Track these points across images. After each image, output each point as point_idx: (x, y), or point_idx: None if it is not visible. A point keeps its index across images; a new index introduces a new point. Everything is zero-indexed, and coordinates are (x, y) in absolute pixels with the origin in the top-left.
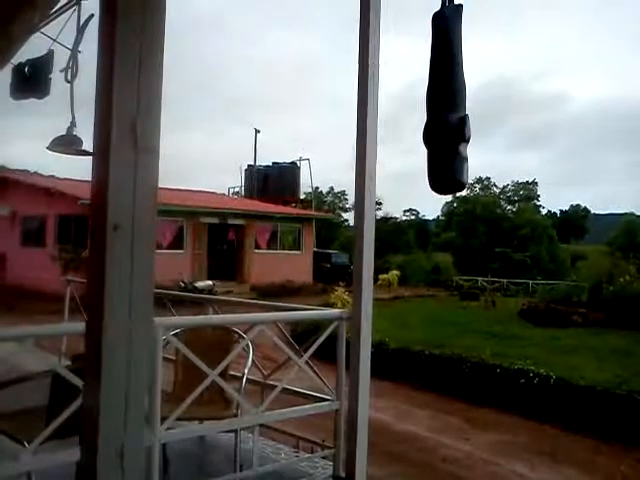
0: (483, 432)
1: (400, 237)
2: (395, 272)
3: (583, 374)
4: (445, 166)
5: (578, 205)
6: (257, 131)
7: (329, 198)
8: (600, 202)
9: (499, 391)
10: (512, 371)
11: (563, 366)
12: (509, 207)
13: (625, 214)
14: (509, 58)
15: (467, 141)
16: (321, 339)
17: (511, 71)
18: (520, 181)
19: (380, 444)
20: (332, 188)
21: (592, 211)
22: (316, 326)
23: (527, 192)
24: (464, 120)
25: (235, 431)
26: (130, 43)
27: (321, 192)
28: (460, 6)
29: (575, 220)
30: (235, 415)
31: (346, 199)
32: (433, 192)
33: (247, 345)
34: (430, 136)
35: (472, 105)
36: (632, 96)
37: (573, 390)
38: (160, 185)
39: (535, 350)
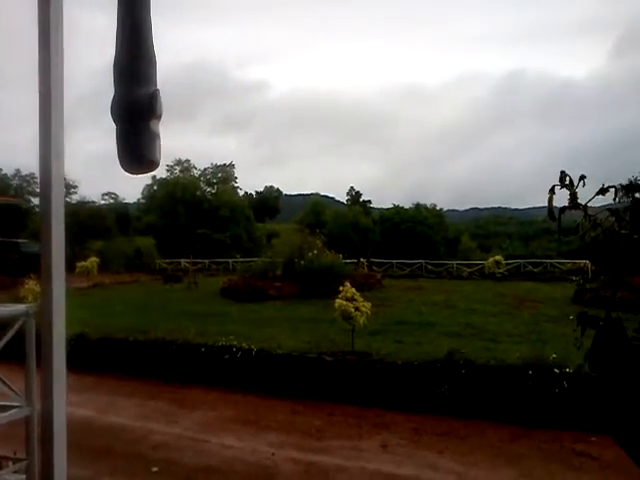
0: (192, 412)
1: (99, 222)
2: (94, 259)
3: (281, 343)
4: (136, 144)
5: (272, 186)
6: None
7: (15, 182)
8: (291, 183)
9: (206, 369)
10: (216, 348)
11: (263, 338)
12: (209, 189)
13: (312, 194)
14: (215, 43)
15: (159, 118)
16: (4, 340)
17: (216, 56)
18: (219, 164)
19: (84, 442)
20: (19, 170)
21: (283, 192)
22: (1, 325)
23: (225, 174)
24: (155, 95)
25: None
26: None
27: (5, 175)
28: None
29: (269, 200)
30: None
31: (36, 182)
32: (125, 172)
33: None
34: (119, 112)
35: (174, 88)
36: (326, 85)
37: (273, 359)
38: None
39: (237, 325)
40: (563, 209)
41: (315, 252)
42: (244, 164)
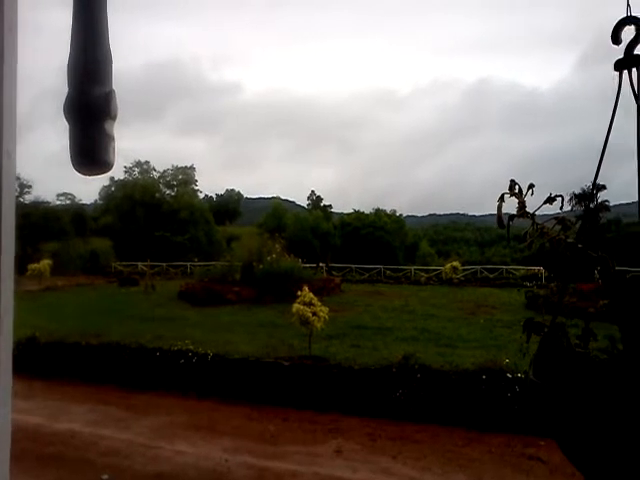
0: (144, 417)
1: (54, 223)
2: (47, 261)
3: (237, 348)
4: (89, 144)
5: (232, 190)
6: None
7: None
8: (255, 187)
9: (161, 374)
10: (172, 353)
11: (220, 342)
12: (168, 191)
13: (273, 198)
14: (190, 43)
15: (113, 118)
16: None
17: (190, 56)
18: (179, 166)
19: (32, 449)
20: None
21: (245, 195)
22: None
23: (186, 177)
24: (109, 95)
25: None
26: None
27: None
28: None
29: (229, 204)
30: None
31: None
32: (77, 172)
33: None
34: (72, 111)
35: (143, 87)
36: (297, 89)
37: (229, 364)
38: None
39: (193, 330)
40: (512, 217)
41: (274, 256)
42: (209, 166)
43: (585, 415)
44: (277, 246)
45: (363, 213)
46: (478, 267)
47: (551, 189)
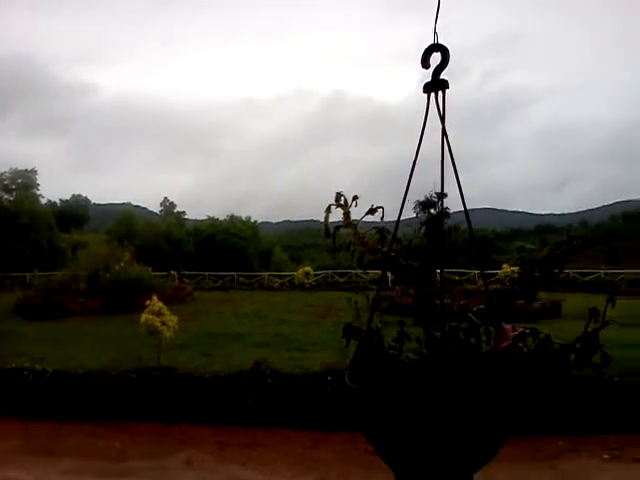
0: None
1: None
2: None
3: (81, 362)
4: None
5: (79, 195)
6: None
7: None
8: (105, 193)
9: None
10: (6, 371)
11: (62, 358)
12: (6, 196)
13: (123, 204)
14: (44, 37)
15: None
16: None
17: (43, 51)
18: (19, 169)
19: None
20: None
21: (93, 201)
22: None
23: (26, 180)
24: None
25: None
26: None
27: None
28: None
29: (76, 209)
30: None
31: None
32: None
33: None
34: None
35: None
36: (156, 93)
37: (72, 380)
38: None
39: (31, 346)
40: (337, 227)
41: (122, 264)
42: (59, 170)
43: (389, 415)
44: (126, 254)
45: (217, 220)
46: (329, 272)
47: (400, 197)
